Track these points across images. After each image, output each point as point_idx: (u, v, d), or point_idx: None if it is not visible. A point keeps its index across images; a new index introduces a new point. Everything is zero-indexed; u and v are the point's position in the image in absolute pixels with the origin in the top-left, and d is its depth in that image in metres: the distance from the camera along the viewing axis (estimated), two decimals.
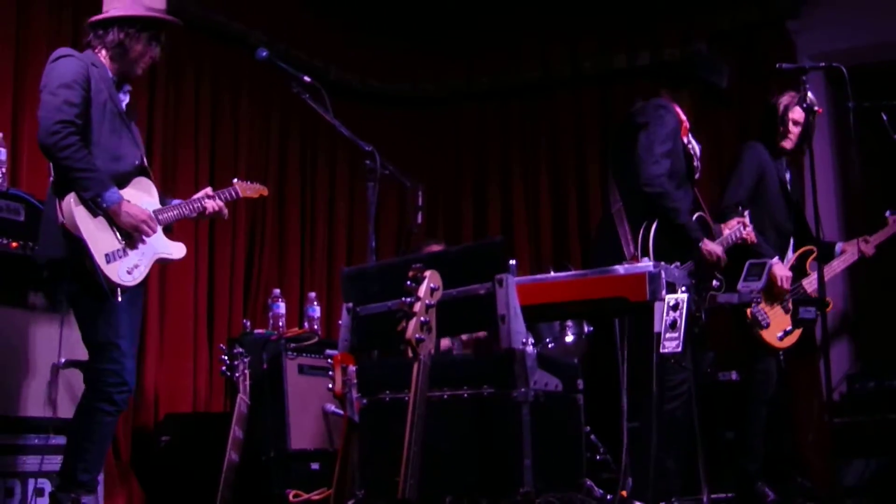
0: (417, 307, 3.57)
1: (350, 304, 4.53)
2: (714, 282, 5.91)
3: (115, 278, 5.05)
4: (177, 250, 5.50)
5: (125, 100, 5.44)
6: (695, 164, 6.15)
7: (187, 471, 6.68)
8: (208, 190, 5.70)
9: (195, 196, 5.65)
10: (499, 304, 4.05)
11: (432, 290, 3.63)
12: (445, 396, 4.08)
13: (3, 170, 5.81)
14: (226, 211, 5.72)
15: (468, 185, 9.78)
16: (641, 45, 9.06)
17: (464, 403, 4.06)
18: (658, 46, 8.97)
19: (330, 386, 3.89)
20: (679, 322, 4.47)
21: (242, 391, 4.30)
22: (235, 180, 5.86)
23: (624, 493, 6.91)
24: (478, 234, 9.68)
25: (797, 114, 6.69)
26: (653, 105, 6.07)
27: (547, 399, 4.03)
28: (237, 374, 4.44)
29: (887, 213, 6.98)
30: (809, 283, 6.71)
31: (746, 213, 6.38)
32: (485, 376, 4.03)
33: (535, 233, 9.50)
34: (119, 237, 5.13)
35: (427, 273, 3.65)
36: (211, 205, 5.63)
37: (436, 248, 8.33)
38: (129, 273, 5.12)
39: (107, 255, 5.05)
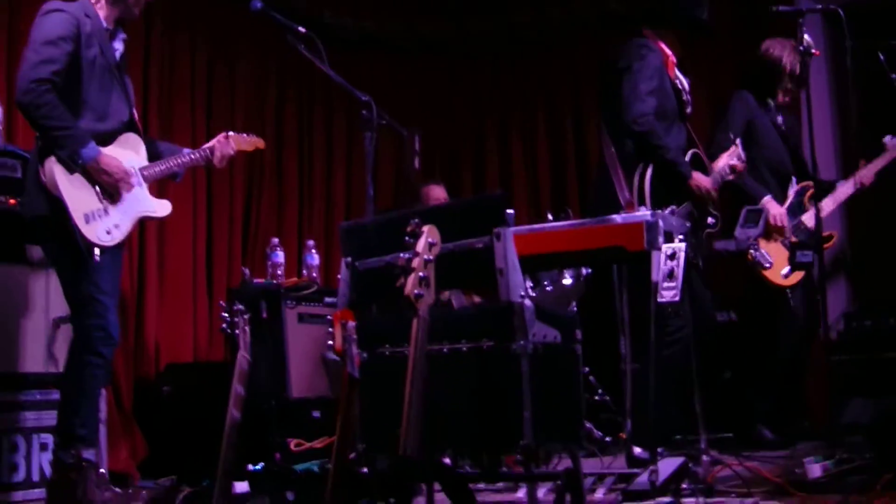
0: (416, 262, 3.57)
1: (349, 259, 4.53)
2: (709, 219, 5.92)
3: (92, 238, 5.06)
4: (161, 208, 5.50)
5: (119, 49, 5.42)
6: (684, 98, 6.15)
7: (189, 420, 6.73)
8: (222, 136, 5.77)
9: (204, 146, 5.72)
10: (497, 257, 4.04)
11: (430, 245, 3.62)
12: (445, 350, 4.08)
13: (1, 127, 5.81)
14: (223, 164, 5.79)
15: (466, 130, 9.77)
16: None
17: (463, 357, 4.06)
18: None
19: (330, 342, 3.90)
20: (676, 271, 4.48)
21: (243, 347, 4.29)
22: (230, 133, 5.85)
23: (623, 435, 6.99)
24: (476, 178, 9.70)
25: (793, 67, 6.70)
26: (634, 45, 6.07)
27: (546, 351, 4.03)
28: (237, 331, 4.46)
29: (886, 139, 6.96)
30: (809, 219, 6.71)
31: (738, 141, 6.37)
32: (484, 329, 4.03)
33: (533, 177, 9.55)
34: (100, 196, 5.14)
35: (425, 228, 3.65)
36: (221, 147, 5.69)
37: (435, 188, 8.36)
38: (108, 233, 5.13)
39: (86, 214, 5.07)
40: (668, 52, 6.13)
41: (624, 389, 7.30)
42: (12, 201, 5.60)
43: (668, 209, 5.08)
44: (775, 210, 6.56)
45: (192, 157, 5.66)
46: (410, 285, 3.54)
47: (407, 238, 3.64)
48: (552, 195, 9.43)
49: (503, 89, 9.75)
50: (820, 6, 5.91)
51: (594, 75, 9.24)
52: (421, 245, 3.60)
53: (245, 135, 6.00)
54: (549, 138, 9.50)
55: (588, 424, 6.84)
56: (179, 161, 5.60)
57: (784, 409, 7.06)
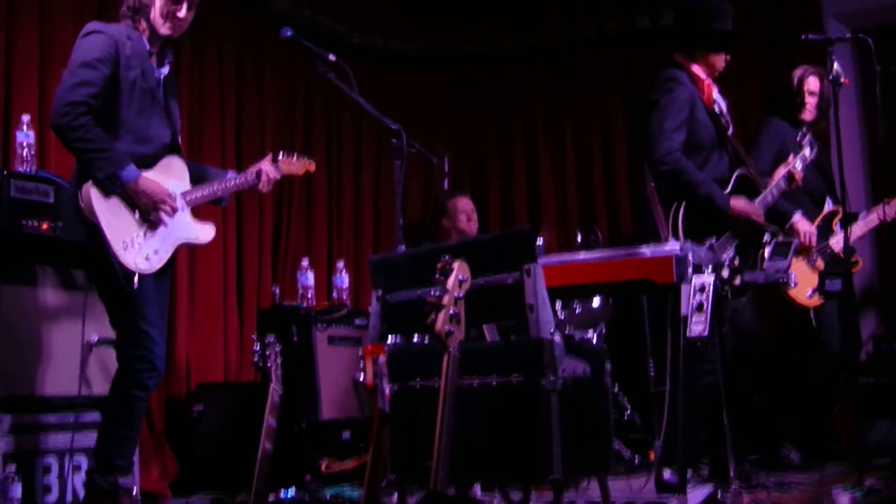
0: (446, 300, 3.61)
1: (379, 292, 4.57)
2: (765, 236, 5.91)
3: (130, 265, 4.97)
4: (203, 234, 5.44)
5: (164, 72, 5.36)
6: (723, 123, 6.11)
7: (220, 440, 6.79)
8: (268, 158, 5.72)
9: (249, 169, 5.67)
10: (527, 293, 4.09)
11: (461, 282, 3.66)
12: (475, 384, 4.12)
13: (32, 152, 5.83)
14: (268, 188, 5.73)
15: (493, 146, 9.80)
16: (665, 6, 9.02)
17: (493, 391, 4.10)
18: None
19: (361, 378, 3.95)
20: (705, 305, 4.50)
21: (275, 380, 4.34)
22: (281, 154, 5.83)
23: (652, 455, 7.01)
24: (503, 192, 9.73)
25: (812, 84, 6.74)
26: (663, 78, 6.05)
27: (575, 385, 4.08)
28: (269, 364, 4.50)
29: None
30: (836, 243, 6.73)
31: (790, 156, 6.39)
32: (513, 364, 4.07)
33: (562, 191, 9.53)
34: (139, 221, 5.07)
35: (455, 265, 3.68)
36: (268, 170, 5.63)
37: (462, 200, 8.39)
38: (146, 260, 5.04)
39: (124, 241, 4.98)
40: (703, 75, 6.09)
41: (653, 410, 7.38)
42: (45, 226, 5.62)
43: (708, 243, 5.09)
44: (805, 228, 6.58)
45: (238, 181, 5.60)
46: (441, 322, 3.57)
47: (437, 275, 3.67)
48: (580, 210, 9.44)
49: (530, 102, 9.75)
50: (849, 35, 5.92)
51: (621, 88, 9.35)
52: (451, 282, 3.64)
53: (294, 157, 5.91)
54: (576, 151, 9.51)
55: (617, 444, 6.87)
56: (224, 186, 5.53)
57: (811, 431, 7.06)
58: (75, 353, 5.75)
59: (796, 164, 6.30)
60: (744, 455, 6.01)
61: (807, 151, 6.41)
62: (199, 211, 5.53)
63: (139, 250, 5.04)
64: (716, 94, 6.14)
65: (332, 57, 5.50)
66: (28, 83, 6.47)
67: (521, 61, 9.79)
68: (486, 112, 9.88)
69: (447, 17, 9.63)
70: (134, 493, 5.42)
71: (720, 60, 6.13)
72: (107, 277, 5.04)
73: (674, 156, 5.81)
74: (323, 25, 8.62)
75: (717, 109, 6.11)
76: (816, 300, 6.61)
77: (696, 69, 6.10)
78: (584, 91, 9.52)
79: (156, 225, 5.13)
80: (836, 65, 5.76)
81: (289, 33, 5.50)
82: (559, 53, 9.62)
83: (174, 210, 5.18)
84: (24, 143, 5.77)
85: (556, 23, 9.47)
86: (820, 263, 6.60)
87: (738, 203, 5.87)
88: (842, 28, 8.44)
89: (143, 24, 5.27)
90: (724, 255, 5.08)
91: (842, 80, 5.88)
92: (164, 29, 5.28)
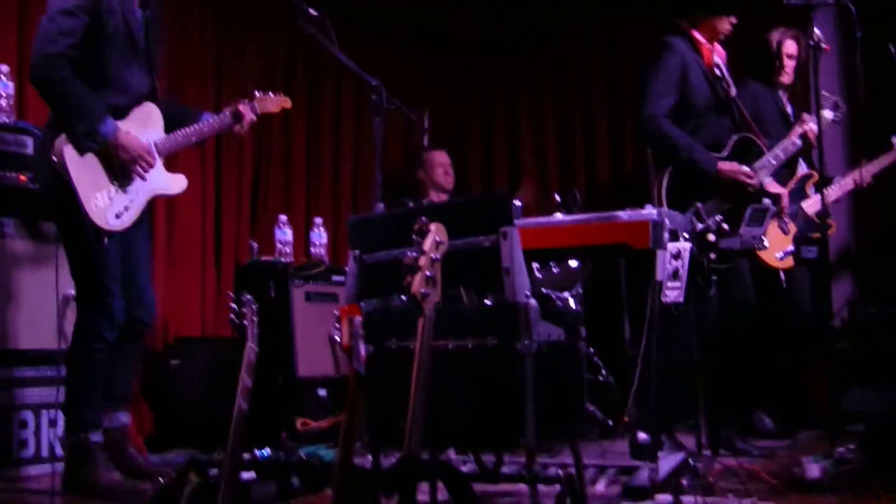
0: (423, 261, 3.60)
1: (357, 252, 4.57)
2: (765, 200, 5.90)
3: (101, 223, 4.95)
4: (176, 184, 5.39)
5: (146, 13, 5.26)
6: (722, 87, 6.12)
7: (197, 395, 6.79)
8: (242, 101, 5.63)
9: (225, 110, 5.58)
10: (503, 256, 4.09)
11: (437, 244, 3.65)
12: (450, 346, 4.12)
13: (11, 103, 5.80)
14: (246, 129, 5.64)
15: (475, 106, 9.81)
16: None
17: (468, 354, 4.10)
18: None
19: (337, 339, 3.95)
20: (681, 271, 4.50)
21: (251, 339, 4.34)
22: (257, 92, 5.74)
23: (626, 418, 7.03)
24: (484, 152, 9.72)
25: (790, 47, 6.73)
26: (655, 44, 6.10)
27: (549, 350, 4.07)
28: (245, 321, 4.50)
29: (894, 138, 6.99)
30: (809, 206, 6.73)
31: (804, 115, 6.39)
32: (489, 327, 4.07)
33: (541, 152, 9.56)
34: (111, 178, 5.04)
35: (432, 226, 3.67)
36: (245, 110, 5.54)
37: (438, 154, 8.41)
38: (117, 217, 5.02)
39: (95, 197, 4.95)
40: (703, 39, 6.08)
41: (627, 372, 7.40)
42: (23, 178, 5.60)
43: (692, 208, 5.08)
44: (775, 189, 6.57)
45: (214, 123, 5.48)
46: (417, 284, 3.56)
47: (414, 236, 3.67)
48: (560, 168, 9.46)
49: (513, 65, 9.78)
50: (831, 0, 5.89)
51: (604, 53, 9.34)
52: (428, 244, 3.62)
53: (270, 94, 5.80)
54: (556, 108, 9.55)
55: (591, 407, 6.90)
56: (199, 129, 5.42)
57: (784, 396, 7.10)
58: (51, 306, 5.73)
59: (811, 124, 6.29)
60: (727, 422, 6.05)
61: (827, 113, 6.42)
62: (178, 158, 5.47)
63: (110, 207, 5.01)
64: (717, 58, 6.12)
65: (313, 11, 5.47)
66: (6, 34, 6.45)
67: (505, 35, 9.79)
68: (466, 84, 9.95)
69: None
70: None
71: (723, 24, 6.11)
72: (75, 232, 5.02)
73: (656, 121, 5.83)
74: None
75: (717, 73, 6.10)
76: (788, 262, 6.61)
77: (697, 34, 6.10)
78: (568, 54, 9.57)
79: (128, 181, 5.09)
80: (816, 30, 5.74)
81: None
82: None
83: (151, 166, 5.14)
84: (3, 94, 5.75)
85: None
86: (792, 227, 6.61)
87: (726, 165, 5.87)
88: None
89: None
90: (711, 220, 5.09)
91: (823, 45, 5.87)
92: None
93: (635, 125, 5.92)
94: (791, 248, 6.60)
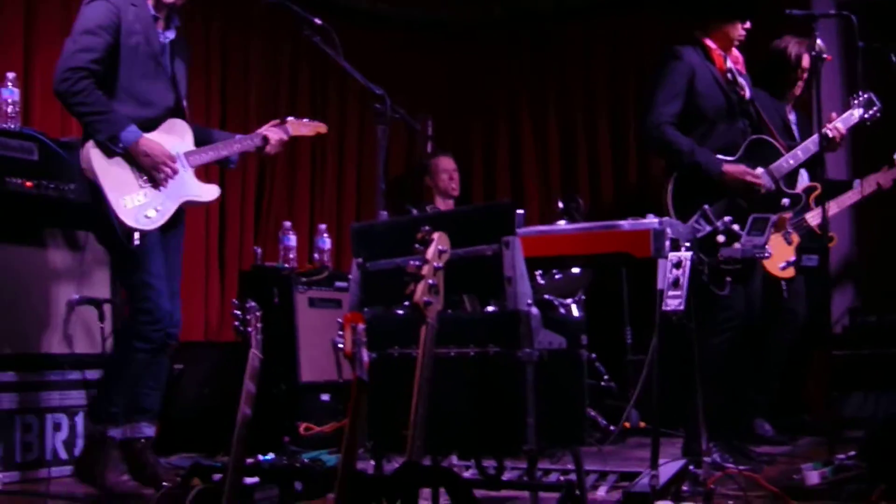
0: (425, 270, 3.63)
1: (360, 260, 4.60)
2: (784, 200, 5.91)
3: (131, 222, 5.06)
4: (207, 192, 5.52)
5: (170, 36, 5.45)
6: (736, 92, 6.05)
7: (200, 399, 6.83)
8: (274, 123, 5.78)
9: (260, 130, 5.72)
10: (505, 265, 4.11)
11: (440, 253, 3.68)
12: (452, 354, 4.15)
13: (17, 109, 5.85)
14: (276, 149, 5.80)
15: (477, 112, 9.84)
16: None
17: (470, 361, 4.13)
18: None
19: (340, 345, 3.98)
20: (682, 280, 4.52)
21: (255, 345, 4.38)
22: (289, 118, 5.86)
23: (627, 424, 7.08)
24: (486, 160, 9.76)
25: (807, 61, 6.72)
26: (662, 54, 6.07)
27: (551, 358, 4.09)
28: (249, 328, 4.54)
29: None
30: (812, 217, 6.74)
31: (832, 115, 6.37)
32: (491, 335, 4.10)
33: (544, 159, 9.58)
34: (141, 180, 5.17)
35: (435, 235, 3.71)
36: (274, 136, 5.70)
37: (444, 159, 8.51)
38: (147, 217, 5.12)
39: (124, 198, 5.08)
40: (715, 46, 6.04)
41: (629, 377, 7.44)
42: (29, 184, 5.64)
43: (700, 210, 5.10)
44: (793, 190, 6.52)
45: (244, 143, 5.65)
46: (420, 293, 3.60)
47: (417, 245, 3.70)
48: (562, 176, 9.49)
49: (515, 70, 9.82)
50: (833, 11, 5.92)
51: (606, 58, 9.37)
52: (431, 252, 3.66)
53: (305, 119, 5.96)
54: (559, 118, 9.57)
55: (592, 412, 6.93)
56: (229, 146, 5.61)
57: (784, 403, 7.13)
58: (57, 312, 5.79)
59: (836, 123, 6.28)
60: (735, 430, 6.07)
61: (856, 111, 6.36)
62: (199, 172, 5.56)
63: (140, 207, 5.13)
64: (730, 63, 6.07)
65: (317, 21, 5.52)
66: (12, 42, 6.50)
67: (508, 29, 9.82)
68: (470, 78, 9.92)
69: None
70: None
71: (735, 30, 6.06)
72: (110, 235, 5.15)
73: (659, 128, 5.81)
74: None
75: (730, 77, 6.05)
76: (790, 272, 6.63)
77: (709, 42, 6.06)
78: (570, 60, 9.58)
79: (158, 183, 5.21)
80: (819, 41, 5.77)
81: None
82: (546, 22, 9.64)
83: (174, 171, 5.26)
84: (9, 100, 5.79)
85: None
86: (795, 238, 6.63)
87: (731, 167, 5.82)
88: (827, 2, 8.47)
89: None
90: (719, 221, 5.11)
91: (824, 55, 5.89)
92: None
93: (640, 133, 5.93)
94: (793, 258, 6.62)
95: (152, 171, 5.17)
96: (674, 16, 8.73)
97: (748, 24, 6.09)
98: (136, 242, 5.08)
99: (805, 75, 6.84)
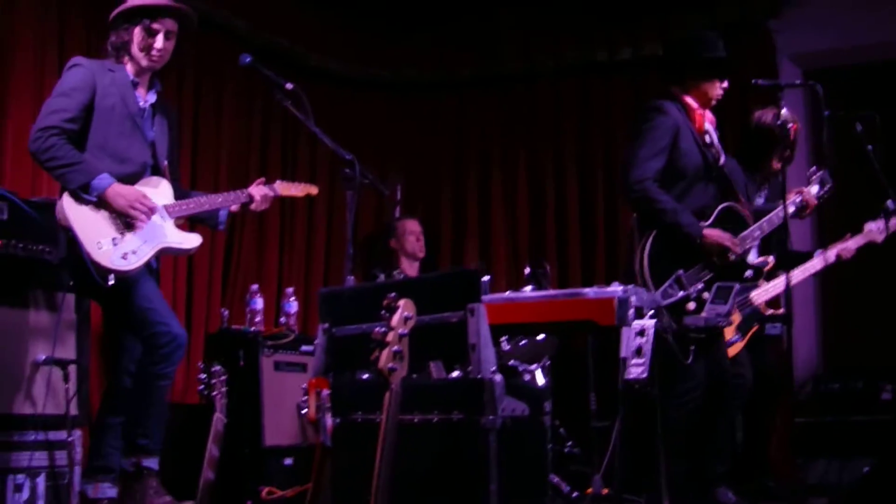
0: (390, 336, 3.66)
1: (326, 325, 4.62)
2: (747, 272, 5.93)
3: (105, 262, 5.14)
4: (188, 241, 5.59)
5: (150, 99, 5.64)
6: (712, 154, 6.05)
7: (163, 461, 6.77)
8: (260, 181, 5.90)
9: (243, 189, 5.83)
10: (470, 333, 4.14)
11: (406, 319, 3.71)
12: (416, 420, 4.17)
13: None
14: (262, 206, 5.89)
15: (447, 174, 9.85)
16: (622, 41, 9.16)
17: (433, 428, 4.16)
18: (638, 42, 9.08)
19: (304, 411, 4.00)
20: (644, 348, 4.55)
21: (219, 409, 4.41)
22: (278, 181, 5.98)
23: (590, 490, 7.06)
24: (455, 224, 9.77)
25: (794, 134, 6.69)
26: (647, 108, 6.03)
27: (514, 425, 4.12)
28: (214, 392, 4.56)
29: (866, 224, 6.97)
30: (757, 296, 6.63)
31: (815, 176, 6.39)
32: (455, 402, 4.12)
33: (512, 223, 9.59)
34: (117, 224, 5.26)
35: (401, 302, 3.74)
36: (259, 192, 5.79)
37: (410, 222, 8.56)
38: (123, 258, 5.19)
39: (98, 241, 5.17)
40: (695, 105, 6.05)
41: (593, 443, 7.43)
42: None
43: (673, 275, 5.10)
44: (757, 261, 6.49)
45: (228, 198, 5.77)
46: (384, 359, 3.62)
47: (383, 311, 3.73)
48: (530, 242, 9.51)
49: (486, 132, 9.82)
50: (799, 81, 5.98)
51: (576, 121, 9.43)
52: (396, 319, 3.69)
53: (295, 182, 6.10)
54: (529, 183, 9.57)
55: (556, 478, 6.93)
56: (211, 200, 5.71)
57: (748, 469, 7.13)
58: (21, 372, 5.74)
59: (796, 198, 6.32)
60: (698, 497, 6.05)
61: (814, 189, 6.41)
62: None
63: (116, 249, 5.21)
64: (708, 125, 6.08)
65: (289, 86, 5.57)
66: None
67: (478, 90, 9.88)
68: (441, 139, 9.95)
69: (406, 44, 9.72)
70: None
71: (713, 89, 6.07)
72: (88, 280, 5.21)
73: (644, 184, 5.75)
74: (281, 47, 8.69)
75: (707, 140, 6.05)
76: (735, 349, 6.54)
77: (689, 99, 6.05)
78: (540, 122, 9.61)
79: (134, 227, 5.30)
80: (784, 110, 5.82)
81: (248, 59, 5.59)
82: (516, 84, 9.72)
83: (150, 210, 5.34)
84: None
85: (514, 54, 9.55)
86: (737, 317, 6.52)
87: (712, 232, 5.78)
88: (795, 69, 8.58)
89: (127, 59, 5.57)
90: (692, 288, 5.12)
91: (790, 125, 5.95)
92: (144, 61, 5.57)
93: (622, 188, 5.88)
94: (736, 337, 6.52)
95: (127, 211, 5.25)
96: (643, 79, 8.86)
97: (726, 84, 6.11)
98: (111, 282, 5.16)
99: (788, 152, 6.78)
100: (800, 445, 6.93)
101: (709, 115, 6.14)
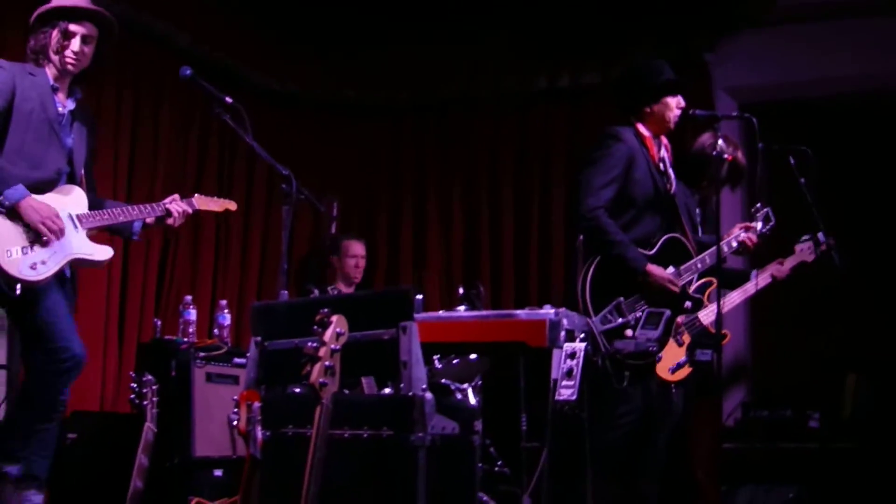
0: (322, 352, 3.69)
1: (259, 338, 4.64)
2: (686, 303, 5.97)
3: (13, 272, 5.07)
4: (99, 253, 5.52)
5: (69, 106, 5.55)
6: (663, 183, 6.08)
7: (92, 471, 6.75)
8: (175, 196, 5.83)
9: (163, 201, 5.78)
10: (402, 350, 4.17)
11: (338, 335, 3.75)
12: (346, 435, 4.19)
13: None
14: (179, 221, 5.84)
15: (383, 195, 9.89)
16: (562, 70, 9.23)
17: (363, 443, 4.17)
18: (578, 70, 9.16)
19: (235, 422, 4.01)
20: (575, 370, 4.60)
21: (150, 419, 4.40)
22: (196, 195, 5.94)
23: None
24: (390, 242, 9.80)
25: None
26: (603, 136, 6.02)
27: (443, 442, 4.15)
28: (145, 402, 4.55)
29: (797, 245, 7.05)
30: (705, 316, 6.74)
31: (759, 214, 6.48)
32: (385, 418, 4.15)
33: (447, 244, 9.63)
34: (27, 235, 5.17)
35: (334, 318, 3.77)
36: (176, 208, 5.74)
37: (355, 244, 8.60)
38: (32, 269, 5.12)
39: (8, 250, 5.08)
40: (647, 133, 6.06)
41: (523, 463, 7.46)
42: None
43: (614, 302, 5.13)
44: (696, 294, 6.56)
45: (143, 211, 5.70)
46: (316, 374, 3.66)
47: (315, 326, 3.75)
48: (465, 262, 9.55)
49: (422, 156, 9.88)
50: (735, 113, 6.05)
51: (512, 148, 9.49)
52: (328, 335, 3.72)
53: (215, 197, 6.08)
54: (465, 206, 9.62)
55: (485, 497, 6.95)
56: (126, 213, 5.65)
57: (674, 495, 7.18)
58: None
59: (739, 234, 6.37)
60: None
61: (759, 225, 6.47)
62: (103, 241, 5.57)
63: (25, 259, 5.13)
64: (663, 152, 6.12)
65: (228, 99, 5.58)
66: None
67: (416, 113, 9.94)
68: (378, 161, 10.00)
69: (345, 66, 9.71)
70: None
71: (669, 111, 6.09)
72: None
73: (596, 212, 5.74)
74: (221, 62, 8.68)
75: (661, 167, 6.09)
76: (680, 374, 6.59)
77: (642, 127, 6.08)
78: (477, 147, 9.66)
79: (46, 240, 5.23)
80: (720, 141, 5.90)
81: (188, 73, 5.59)
82: (454, 110, 9.78)
83: (60, 229, 5.27)
84: None
85: (452, 80, 9.60)
86: (686, 338, 6.62)
87: (656, 270, 5.80)
88: (731, 102, 8.69)
89: (46, 63, 5.48)
90: (631, 315, 5.15)
91: (725, 156, 6.02)
92: (60, 65, 5.48)
93: (574, 214, 5.90)
94: (684, 358, 6.59)
95: (38, 227, 5.18)
96: (582, 108, 8.95)
97: (682, 102, 6.14)
98: (18, 292, 5.09)
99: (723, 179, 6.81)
100: (727, 472, 6.98)
101: (665, 140, 6.19)
